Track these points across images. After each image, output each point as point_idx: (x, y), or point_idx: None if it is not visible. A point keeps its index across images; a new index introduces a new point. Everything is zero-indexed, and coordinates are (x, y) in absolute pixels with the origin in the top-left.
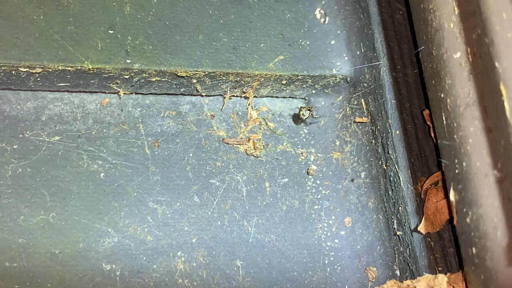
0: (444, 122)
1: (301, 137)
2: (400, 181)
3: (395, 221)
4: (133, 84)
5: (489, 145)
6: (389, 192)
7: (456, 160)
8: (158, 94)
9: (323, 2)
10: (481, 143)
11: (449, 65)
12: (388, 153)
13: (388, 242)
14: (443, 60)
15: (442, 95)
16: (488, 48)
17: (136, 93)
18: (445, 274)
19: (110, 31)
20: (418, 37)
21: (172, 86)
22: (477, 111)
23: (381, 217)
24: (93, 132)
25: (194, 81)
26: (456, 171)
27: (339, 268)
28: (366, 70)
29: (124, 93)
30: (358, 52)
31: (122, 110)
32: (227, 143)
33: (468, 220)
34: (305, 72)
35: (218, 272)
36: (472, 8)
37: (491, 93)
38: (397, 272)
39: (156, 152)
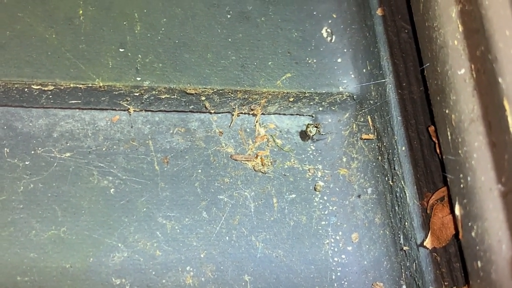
0: (449, 137)
1: (308, 154)
2: (406, 196)
3: (401, 237)
4: (143, 101)
5: (493, 159)
6: (396, 208)
7: (461, 175)
8: (168, 111)
9: (330, 21)
10: (486, 158)
11: (453, 82)
12: (394, 169)
13: (394, 257)
14: (448, 77)
15: (447, 111)
16: (492, 65)
17: (146, 110)
18: None
19: (120, 50)
20: (423, 55)
21: (181, 103)
22: (481, 126)
23: (387, 232)
24: (104, 149)
25: (203, 98)
26: (461, 185)
27: (346, 283)
28: (372, 88)
29: (134, 110)
30: (364, 70)
31: (132, 127)
32: (235, 160)
33: (473, 234)
34: (312, 89)
35: (227, 286)
36: (476, 26)
37: (495, 109)
38: (404, 287)
39: (165, 168)
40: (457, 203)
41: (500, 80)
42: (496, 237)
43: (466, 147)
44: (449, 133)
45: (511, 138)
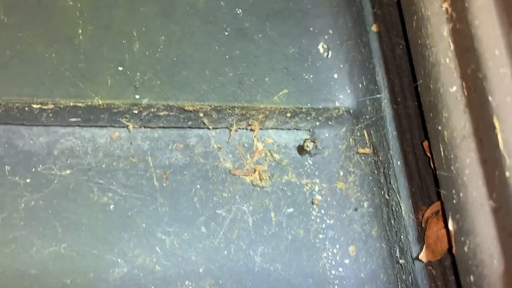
0: (442, 153)
1: (306, 168)
2: (402, 210)
3: (397, 250)
4: (141, 118)
5: (484, 176)
6: (392, 221)
7: (454, 191)
8: (166, 128)
9: (326, 37)
10: (477, 174)
11: (445, 99)
12: (390, 183)
13: (391, 270)
14: (440, 94)
15: (439, 128)
16: (482, 83)
17: (144, 127)
18: None
19: (119, 68)
20: (417, 71)
21: (180, 119)
22: (472, 143)
23: (384, 245)
24: (103, 165)
25: (201, 114)
26: (454, 201)
27: None
28: (368, 103)
29: (133, 127)
30: (360, 85)
31: (131, 144)
32: (234, 174)
33: (466, 249)
34: (309, 104)
35: None
36: (466, 45)
37: (485, 126)
38: None
39: (164, 184)
40: (450, 218)
41: (490, 98)
42: (487, 252)
43: (458, 163)
44: (442, 149)
45: (501, 155)
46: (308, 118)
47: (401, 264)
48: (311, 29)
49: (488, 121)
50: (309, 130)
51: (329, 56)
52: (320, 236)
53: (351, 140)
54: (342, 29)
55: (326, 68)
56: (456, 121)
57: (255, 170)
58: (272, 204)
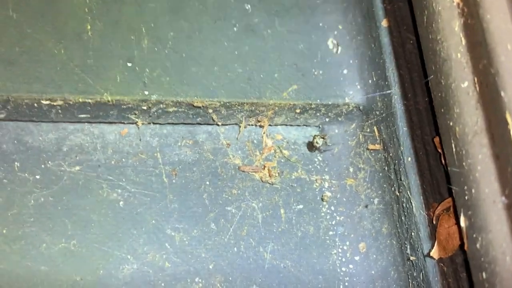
0: (454, 149)
1: (315, 164)
2: (412, 207)
3: (408, 247)
4: (151, 114)
5: (497, 172)
6: (402, 218)
7: (466, 187)
8: (175, 124)
9: (335, 33)
10: (489, 170)
11: (457, 94)
12: (401, 180)
13: (402, 267)
14: (451, 89)
15: (451, 123)
16: (494, 78)
17: (153, 123)
18: None
19: (128, 64)
20: (427, 67)
21: (189, 116)
22: (485, 139)
23: (394, 242)
24: (113, 162)
25: (210, 111)
26: (466, 197)
27: None
28: (378, 98)
29: (142, 123)
30: (370, 81)
31: (140, 140)
32: (243, 171)
33: (478, 245)
34: (318, 101)
35: None
36: (478, 39)
37: (497, 122)
38: None
39: (173, 181)
40: (462, 214)
41: (502, 93)
42: (500, 249)
43: (470, 159)
44: (453, 145)
45: None
46: (318, 114)
47: (412, 261)
48: (320, 24)
49: (501, 116)
50: (319, 127)
51: (339, 51)
52: (330, 233)
53: (361, 136)
54: (351, 24)
55: (335, 64)
56: (468, 116)
57: (264, 167)
58: (281, 200)
